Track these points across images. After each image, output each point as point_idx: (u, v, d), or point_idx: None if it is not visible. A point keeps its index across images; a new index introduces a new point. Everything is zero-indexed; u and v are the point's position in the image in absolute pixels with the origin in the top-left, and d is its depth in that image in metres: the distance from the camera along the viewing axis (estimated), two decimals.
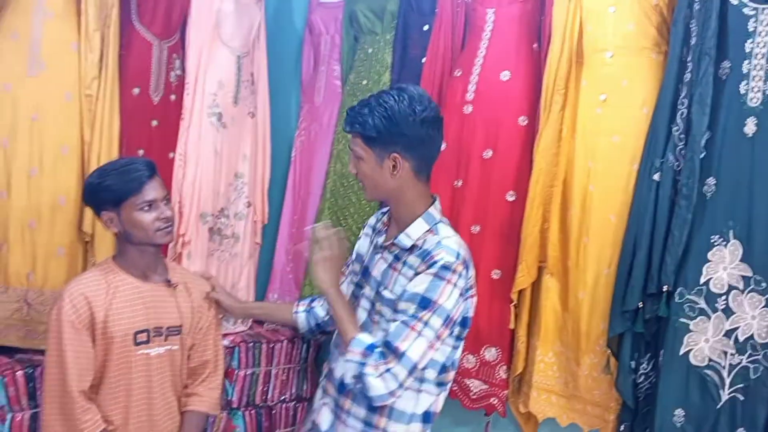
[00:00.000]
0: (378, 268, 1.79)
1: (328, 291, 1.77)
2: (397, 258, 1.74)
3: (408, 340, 1.61)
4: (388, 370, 1.61)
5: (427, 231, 1.71)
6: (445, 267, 1.62)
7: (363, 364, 1.64)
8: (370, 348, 1.65)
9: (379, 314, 1.75)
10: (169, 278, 1.93)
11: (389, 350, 1.63)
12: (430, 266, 1.63)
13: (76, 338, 1.74)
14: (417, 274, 1.66)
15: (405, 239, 1.72)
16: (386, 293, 1.72)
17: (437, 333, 1.64)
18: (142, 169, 1.81)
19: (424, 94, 1.69)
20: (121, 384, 1.82)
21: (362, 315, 1.81)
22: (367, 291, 1.81)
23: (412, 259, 1.69)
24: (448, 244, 1.66)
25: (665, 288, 1.96)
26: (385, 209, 1.92)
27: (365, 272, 1.84)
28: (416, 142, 1.67)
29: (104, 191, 1.80)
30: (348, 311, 1.77)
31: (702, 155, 1.93)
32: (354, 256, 1.97)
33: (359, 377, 1.65)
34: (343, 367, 1.71)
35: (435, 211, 1.74)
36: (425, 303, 1.62)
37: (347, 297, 1.91)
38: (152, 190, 1.81)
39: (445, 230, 1.72)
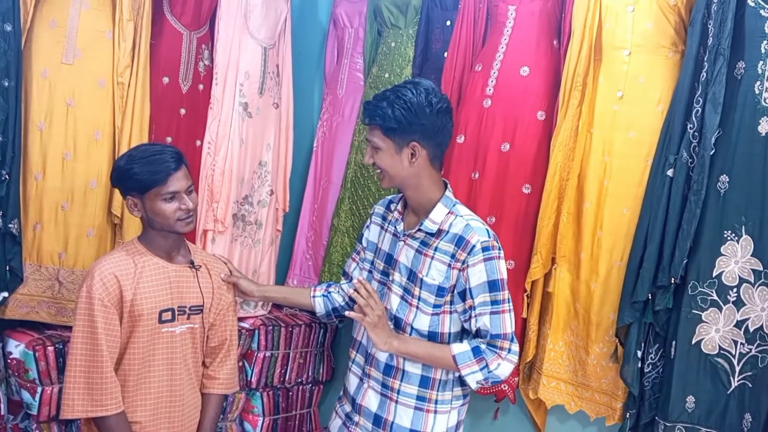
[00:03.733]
0: (405, 255, 1.85)
1: (393, 348, 1.82)
2: (424, 244, 1.81)
3: (505, 322, 1.76)
4: (509, 351, 1.76)
5: (448, 213, 1.80)
6: (486, 248, 1.74)
7: (485, 367, 1.76)
8: (476, 352, 1.77)
9: (419, 299, 1.82)
10: (192, 260, 1.98)
11: (498, 340, 1.75)
12: (470, 253, 1.73)
13: (105, 316, 1.79)
14: (453, 257, 1.75)
15: (430, 224, 1.79)
16: (427, 279, 1.79)
17: (510, 299, 1.79)
18: (169, 160, 1.83)
19: (436, 87, 1.79)
20: (144, 360, 1.87)
21: (396, 300, 1.87)
22: (397, 277, 1.87)
23: (445, 245, 1.78)
24: (477, 225, 1.77)
25: (673, 280, 2.00)
26: (391, 197, 2.00)
27: (390, 260, 1.90)
28: (433, 131, 1.77)
29: (130, 178, 1.81)
30: (423, 346, 1.83)
31: (713, 152, 1.96)
32: (365, 244, 2.02)
33: (487, 378, 1.77)
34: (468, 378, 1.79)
35: (450, 194, 1.84)
36: (495, 285, 1.74)
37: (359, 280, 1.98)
38: (176, 182, 1.83)
39: (464, 209, 1.83)
